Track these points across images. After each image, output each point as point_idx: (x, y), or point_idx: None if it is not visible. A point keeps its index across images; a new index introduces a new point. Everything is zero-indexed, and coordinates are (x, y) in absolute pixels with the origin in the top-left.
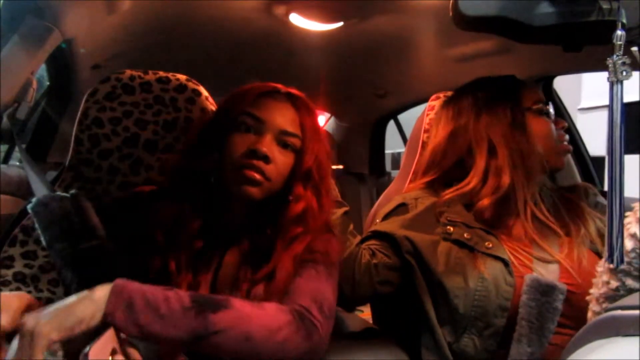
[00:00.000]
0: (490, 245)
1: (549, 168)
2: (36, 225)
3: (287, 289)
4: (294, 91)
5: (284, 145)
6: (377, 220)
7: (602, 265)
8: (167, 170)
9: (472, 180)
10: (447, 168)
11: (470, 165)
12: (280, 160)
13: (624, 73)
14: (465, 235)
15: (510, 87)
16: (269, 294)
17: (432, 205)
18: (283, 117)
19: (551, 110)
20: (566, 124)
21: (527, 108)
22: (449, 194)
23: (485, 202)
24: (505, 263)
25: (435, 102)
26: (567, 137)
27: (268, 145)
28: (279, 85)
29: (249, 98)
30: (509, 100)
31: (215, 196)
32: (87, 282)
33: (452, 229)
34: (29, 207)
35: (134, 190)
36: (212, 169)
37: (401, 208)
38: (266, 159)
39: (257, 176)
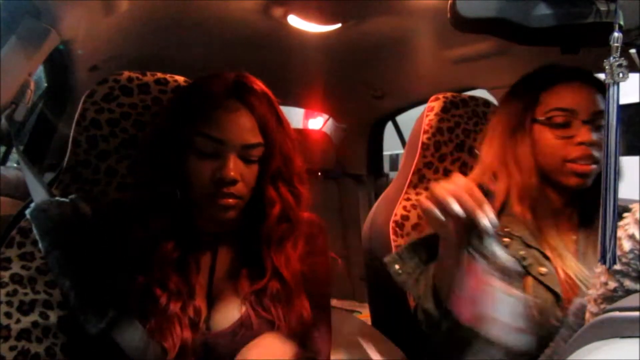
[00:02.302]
0: (545, 271)
1: (559, 186)
2: (34, 230)
3: (311, 332)
4: (242, 81)
5: (248, 160)
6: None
7: (600, 267)
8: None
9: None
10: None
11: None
12: (248, 175)
13: (621, 75)
14: (521, 252)
15: (532, 87)
16: (285, 295)
17: None
18: (242, 130)
19: (574, 119)
20: (592, 139)
21: (534, 119)
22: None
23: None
24: (558, 297)
25: (434, 103)
26: (592, 153)
27: (234, 167)
28: (220, 79)
29: (198, 115)
30: (520, 102)
31: (186, 208)
32: (86, 291)
33: (508, 240)
34: (27, 212)
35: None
36: (175, 189)
37: None
38: (235, 182)
39: (231, 201)
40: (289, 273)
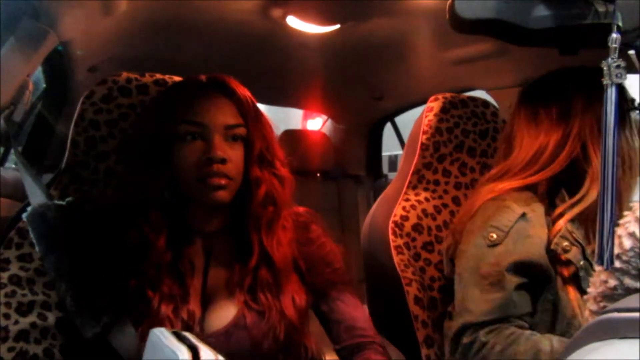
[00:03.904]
0: None
1: None
2: (31, 234)
3: (338, 315)
4: (218, 77)
5: (232, 139)
6: (493, 235)
7: (599, 265)
8: (120, 190)
9: (591, 191)
10: (556, 172)
11: (584, 169)
12: (235, 156)
13: (619, 76)
14: (581, 262)
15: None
16: (275, 281)
17: (545, 218)
18: (222, 113)
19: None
20: None
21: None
22: (564, 208)
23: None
24: None
25: (433, 104)
26: None
27: (220, 147)
28: (201, 77)
29: (180, 105)
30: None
31: (176, 206)
32: (82, 294)
33: (569, 246)
34: (24, 216)
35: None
36: (164, 184)
37: (522, 220)
38: (224, 161)
39: (223, 181)
40: (279, 257)
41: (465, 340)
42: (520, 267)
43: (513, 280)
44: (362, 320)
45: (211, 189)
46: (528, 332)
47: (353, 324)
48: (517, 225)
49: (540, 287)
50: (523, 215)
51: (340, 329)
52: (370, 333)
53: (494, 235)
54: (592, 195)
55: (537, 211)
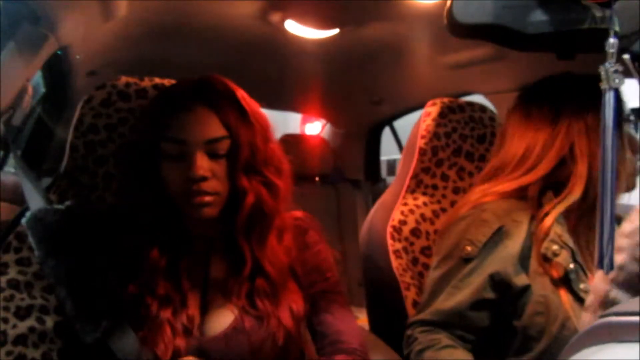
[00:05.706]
0: (585, 287)
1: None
2: (30, 238)
3: (327, 329)
4: (204, 82)
5: (215, 154)
6: (467, 248)
7: (598, 272)
8: (118, 196)
9: (574, 189)
10: (547, 171)
11: (571, 169)
12: (218, 170)
13: (616, 80)
14: (570, 265)
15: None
16: (271, 290)
17: (530, 224)
18: (203, 126)
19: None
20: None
21: (626, 118)
22: (550, 207)
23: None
24: None
25: (431, 109)
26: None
27: (200, 165)
28: (186, 84)
29: (161, 121)
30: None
31: (171, 214)
32: (81, 300)
33: (558, 249)
34: (23, 221)
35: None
36: (156, 195)
37: (498, 234)
38: (204, 179)
39: (206, 198)
40: (272, 267)
41: (408, 332)
42: (489, 283)
43: (476, 295)
44: (347, 333)
45: (195, 207)
46: (458, 346)
47: (337, 338)
48: (491, 241)
49: (514, 297)
50: (499, 229)
51: (325, 343)
52: (353, 345)
53: (468, 249)
54: (575, 193)
55: (518, 221)
